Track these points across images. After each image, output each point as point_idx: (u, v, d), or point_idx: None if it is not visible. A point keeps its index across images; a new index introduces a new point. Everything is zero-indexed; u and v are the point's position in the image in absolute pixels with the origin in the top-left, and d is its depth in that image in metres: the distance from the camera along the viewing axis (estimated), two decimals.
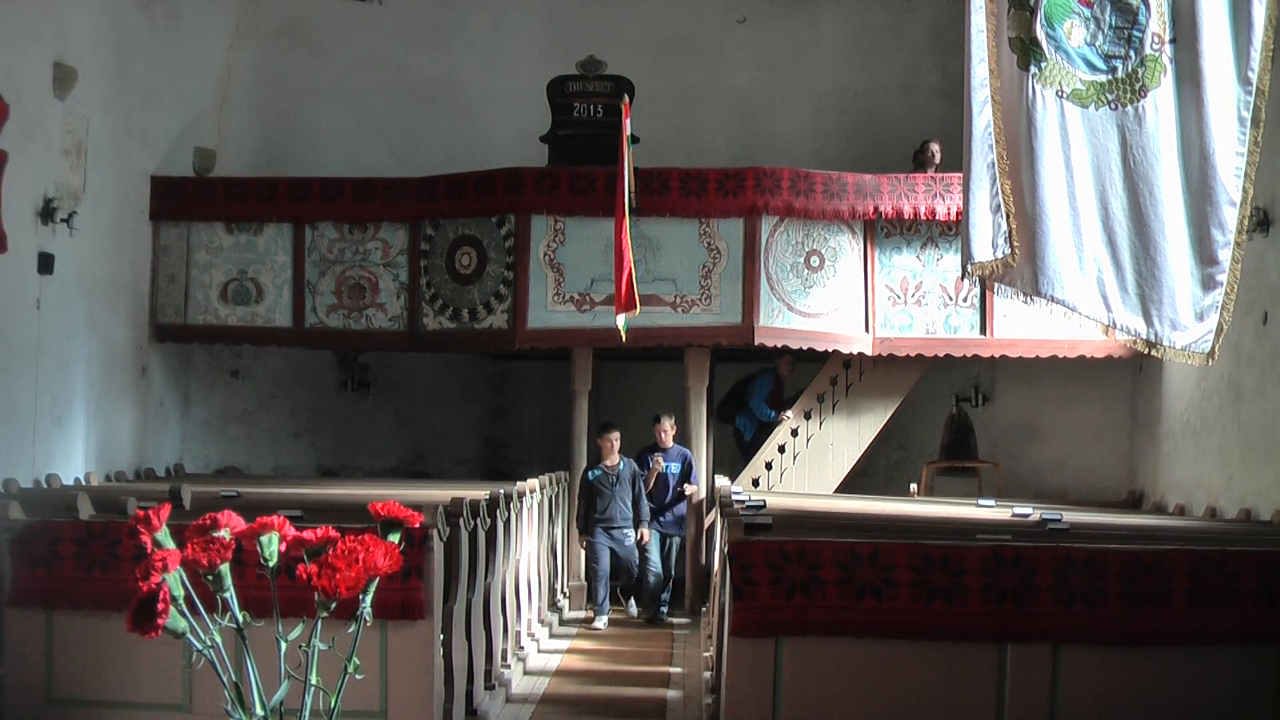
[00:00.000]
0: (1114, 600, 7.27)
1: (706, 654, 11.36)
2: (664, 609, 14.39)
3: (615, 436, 14.05)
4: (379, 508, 3.61)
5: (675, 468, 14.44)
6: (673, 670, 11.39)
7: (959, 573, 7.30)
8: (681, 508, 14.57)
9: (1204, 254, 8.50)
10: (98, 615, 7.65)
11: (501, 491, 10.39)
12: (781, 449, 15.42)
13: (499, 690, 9.76)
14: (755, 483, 15.23)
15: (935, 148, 15.31)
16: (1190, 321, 8.57)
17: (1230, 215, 8.41)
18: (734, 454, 16.86)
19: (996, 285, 9.16)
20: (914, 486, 15.28)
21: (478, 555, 9.18)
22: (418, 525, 3.64)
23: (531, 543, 12.17)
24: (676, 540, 14.66)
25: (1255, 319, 11.67)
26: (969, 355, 14.93)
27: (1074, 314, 8.82)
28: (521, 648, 11.33)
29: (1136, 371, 16.00)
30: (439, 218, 15.01)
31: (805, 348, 14.50)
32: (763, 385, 15.77)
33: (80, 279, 13.44)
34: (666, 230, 14.27)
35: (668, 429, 14.46)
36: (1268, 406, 11.62)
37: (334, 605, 3.29)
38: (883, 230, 14.66)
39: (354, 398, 17.81)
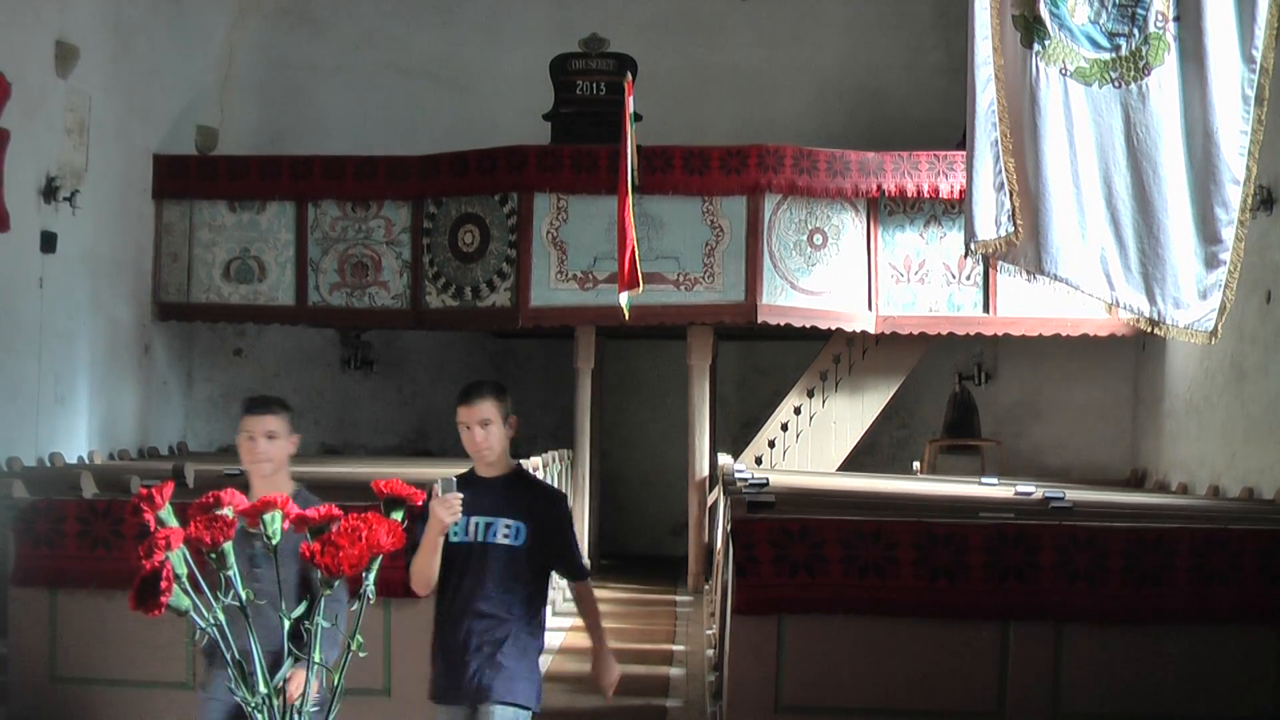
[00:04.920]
0: (1116, 578, 7.28)
1: (709, 631, 11.39)
2: None
3: (273, 424, 6.20)
4: (382, 485, 3.62)
5: (510, 531, 5.73)
6: (675, 648, 11.41)
7: (962, 551, 7.31)
8: (528, 642, 5.78)
9: (1207, 232, 8.48)
10: (101, 594, 7.66)
11: None
12: (784, 427, 15.43)
13: None
14: (758, 460, 15.24)
15: None
16: (1193, 300, 8.55)
17: (1234, 194, 8.39)
18: (735, 431, 16.89)
19: (1000, 263, 9.15)
20: (917, 464, 15.30)
21: None
22: (421, 503, 3.64)
23: None
24: None
25: (1259, 298, 11.66)
26: (972, 333, 14.92)
27: (1077, 292, 8.81)
28: None
29: (1140, 350, 15.99)
30: (442, 196, 15.00)
31: (808, 325, 14.48)
32: None
33: (83, 258, 13.43)
34: (669, 208, 14.26)
35: (473, 424, 5.72)
36: (1271, 385, 11.62)
37: (337, 583, 3.30)
38: (886, 208, 14.64)
39: (357, 376, 17.81)
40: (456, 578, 5.77)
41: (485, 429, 5.73)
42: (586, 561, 6.27)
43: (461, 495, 5.42)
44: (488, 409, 5.75)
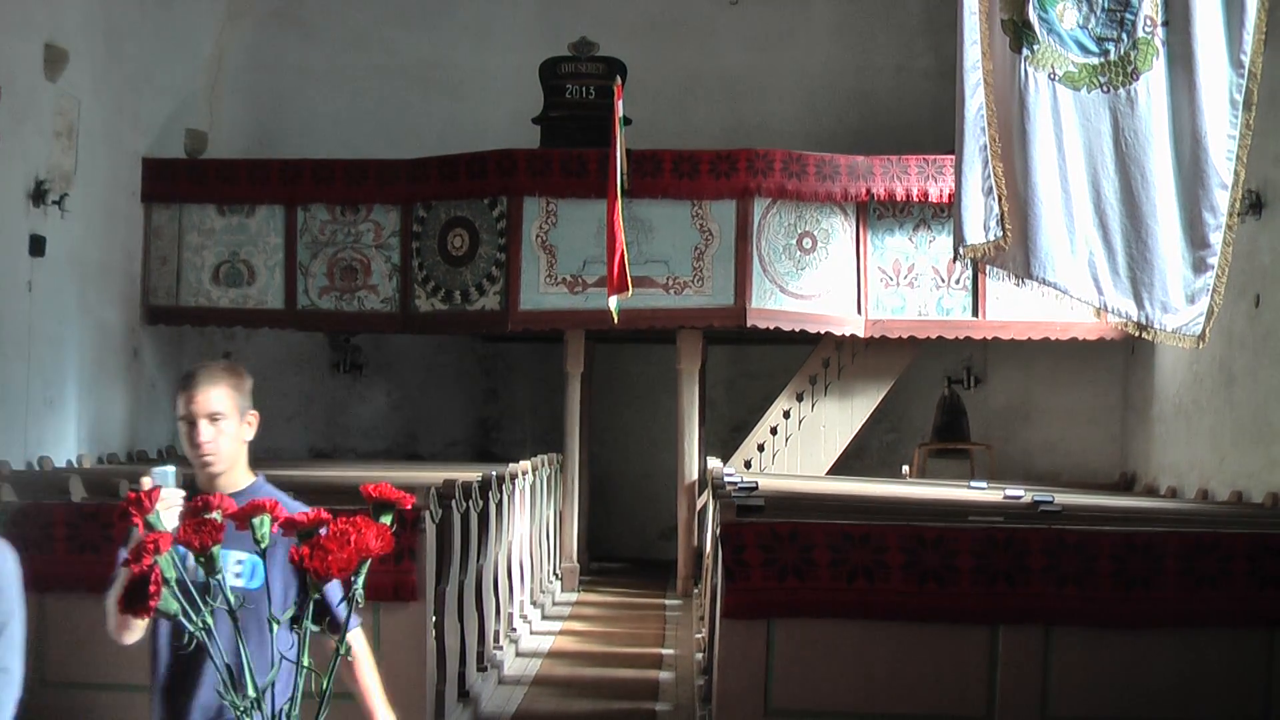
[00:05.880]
0: (1106, 582, 7.28)
1: (699, 635, 11.38)
2: None
3: None
4: (371, 489, 3.61)
5: (244, 570, 4.19)
6: (665, 652, 11.42)
7: (951, 554, 7.31)
8: None
9: (1195, 237, 8.50)
10: (90, 598, 7.60)
11: (494, 473, 10.40)
12: (774, 430, 15.43)
13: (491, 672, 9.77)
14: (747, 464, 15.25)
15: None
16: (1181, 304, 8.57)
17: (1222, 198, 8.41)
18: (724, 435, 16.88)
19: (988, 267, 9.16)
20: (906, 468, 15.30)
21: (470, 537, 9.19)
22: (410, 507, 3.63)
23: (524, 524, 12.19)
24: None
25: (1247, 302, 11.68)
26: (961, 337, 14.95)
27: (1065, 296, 8.82)
28: (514, 629, 11.35)
29: (1129, 354, 16.02)
30: (431, 199, 15.00)
31: (797, 329, 14.49)
32: None
33: (72, 261, 13.41)
34: (659, 212, 14.26)
35: (198, 418, 4.23)
36: (1259, 389, 11.64)
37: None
38: (875, 212, 14.66)
39: (346, 380, 17.80)
40: (173, 637, 4.06)
41: (214, 425, 4.24)
42: (351, 615, 3.59)
43: (184, 494, 3.83)
44: (219, 399, 4.25)
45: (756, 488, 9.35)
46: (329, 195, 15.32)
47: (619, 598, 14.37)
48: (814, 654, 7.40)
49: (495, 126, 16.64)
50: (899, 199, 14.51)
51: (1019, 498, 9.95)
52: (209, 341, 17.23)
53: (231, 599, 3.28)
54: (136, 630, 4.11)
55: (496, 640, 10.38)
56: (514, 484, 11.53)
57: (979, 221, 8.74)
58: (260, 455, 14.39)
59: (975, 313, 14.66)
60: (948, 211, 13.86)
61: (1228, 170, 8.38)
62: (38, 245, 12.58)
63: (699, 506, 14.31)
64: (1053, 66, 8.58)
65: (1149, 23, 8.53)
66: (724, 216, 14.23)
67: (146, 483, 3.73)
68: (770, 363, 17.14)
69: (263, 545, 3.37)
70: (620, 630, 12.46)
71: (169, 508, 3.65)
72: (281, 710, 3.26)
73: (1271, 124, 10.42)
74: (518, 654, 11.03)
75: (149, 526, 3.31)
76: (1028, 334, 14.64)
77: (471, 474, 9.90)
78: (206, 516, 3.27)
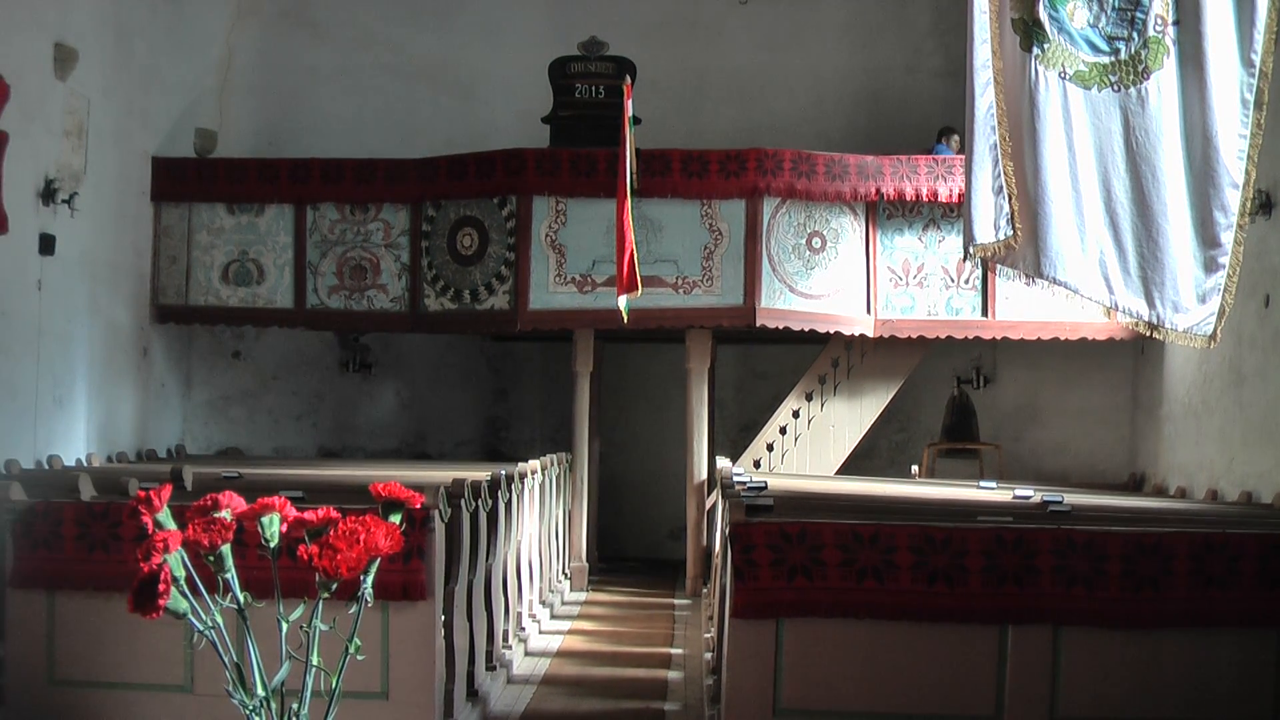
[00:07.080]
0: (1115, 582, 7.27)
1: (708, 635, 11.37)
2: None
3: None
4: (380, 488, 3.62)
5: None
6: (674, 651, 11.41)
7: (960, 554, 7.30)
8: None
9: (1206, 236, 8.50)
10: (99, 596, 7.65)
11: (503, 472, 10.38)
12: (783, 430, 15.42)
13: (500, 671, 9.77)
14: (756, 464, 15.24)
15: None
16: (1192, 304, 8.57)
17: (1232, 197, 8.41)
18: (733, 434, 16.89)
19: (998, 267, 9.16)
20: (915, 468, 15.29)
21: (479, 536, 9.18)
22: (419, 506, 3.63)
23: (533, 524, 12.18)
24: None
25: (1257, 301, 11.66)
26: (970, 337, 14.92)
27: (1076, 296, 8.82)
28: (523, 629, 11.35)
29: (1138, 353, 16.00)
30: (440, 199, 15.00)
31: (807, 329, 14.48)
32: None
33: (81, 260, 13.43)
34: (668, 211, 14.26)
35: None
36: (1269, 389, 11.61)
37: (335, 586, 3.29)
38: (885, 212, 14.64)
39: (355, 379, 17.81)
40: None
41: None
42: None
43: None
44: None
45: (765, 487, 9.34)
46: (338, 194, 15.33)
47: (628, 597, 14.36)
48: (823, 654, 7.40)
49: (504, 126, 16.66)
50: (909, 198, 14.49)
51: (1028, 498, 9.93)
52: (218, 340, 17.27)
53: (242, 598, 3.28)
54: None
55: (505, 639, 10.37)
56: (523, 483, 11.52)
57: (989, 220, 8.75)
58: (269, 454, 14.45)
59: (985, 312, 14.64)
60: (957, 211, 13.84)
61: (1239, 169, 8.38)
62: (47, 244, 12.60)
63: (708, 506, 14.30)
64: (1063, 65, 8.58)
65: (1160, 22, 8.53)
66: (733, 216, 14.22)
67: None
68: (779, 362, 17.14)
69: (272, 544, 3.37)
70: (629, 630, 12.45)
71: None
72: (290, 709, 3.26)
73: None
74: (526, 653, 11.02)
75: (158, 525, 3.31)
76: (1037, 334, 14.61)
77: (480, 473, 9.89)
78: (215, 516, 3.27)
